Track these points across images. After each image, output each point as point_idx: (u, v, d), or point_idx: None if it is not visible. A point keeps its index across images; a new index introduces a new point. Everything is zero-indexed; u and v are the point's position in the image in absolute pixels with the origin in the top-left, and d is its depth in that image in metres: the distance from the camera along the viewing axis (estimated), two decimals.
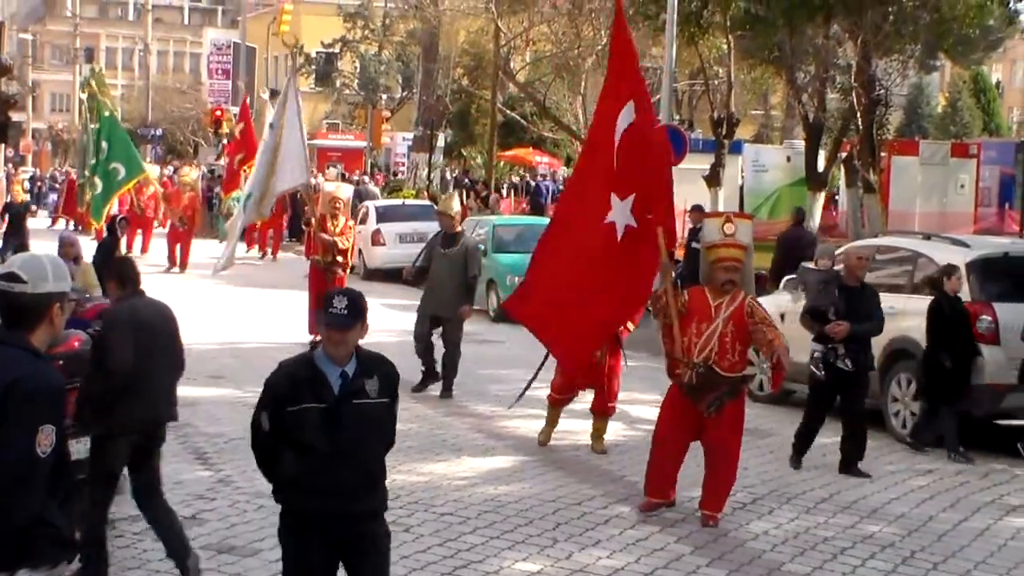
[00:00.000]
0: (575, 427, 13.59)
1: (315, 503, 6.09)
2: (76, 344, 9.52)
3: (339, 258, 19.03)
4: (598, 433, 12.76)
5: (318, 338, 18.57)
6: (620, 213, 10.33)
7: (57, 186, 49.43)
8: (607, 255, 10.42)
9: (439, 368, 15.36)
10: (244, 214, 18.70)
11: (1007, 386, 12.87)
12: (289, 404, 6.02)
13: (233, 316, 22.02)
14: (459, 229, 16.00)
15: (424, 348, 15.40)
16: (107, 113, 30.59)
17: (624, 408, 13.93)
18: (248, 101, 37.27)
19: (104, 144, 29.21)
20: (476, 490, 10.75)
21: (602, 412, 12.73)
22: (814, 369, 12.10)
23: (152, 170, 35.08)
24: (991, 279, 13.45)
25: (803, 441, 12.31)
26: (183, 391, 12.43)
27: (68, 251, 14.06)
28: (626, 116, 10.32)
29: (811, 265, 14.81)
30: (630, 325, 12.58)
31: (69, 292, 5.10)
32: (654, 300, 10.21)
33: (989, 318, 13.03)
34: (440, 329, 15.46)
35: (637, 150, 10.29)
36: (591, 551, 9.34)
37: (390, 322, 20.68)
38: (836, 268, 13.41)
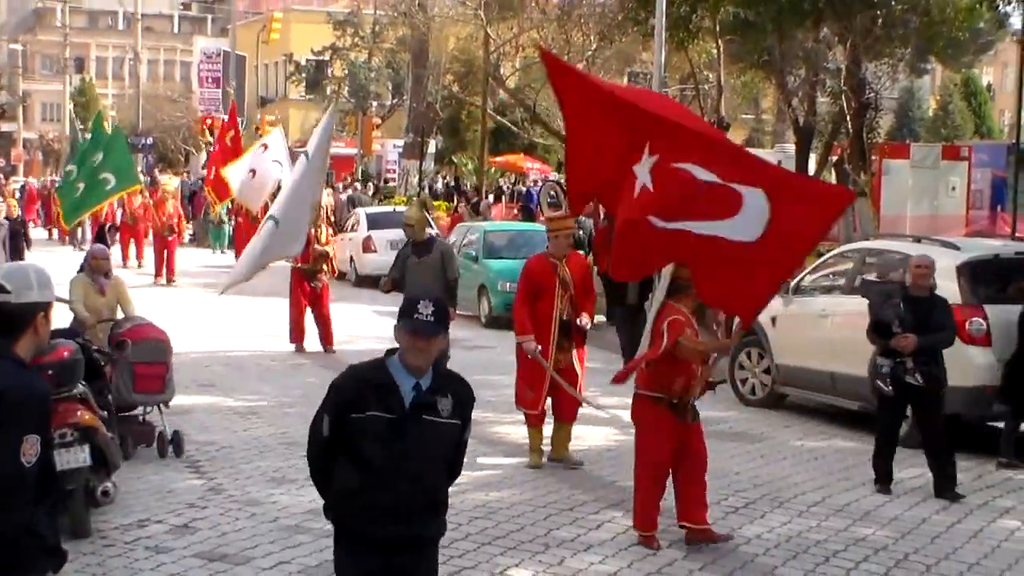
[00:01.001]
0: None
1: (373, 522, 5.62)
2: (64, 354, 9.50)
3: (325, 265, 19.18)
4: (564, 442, 12.39)
5: (301, 347, 18.85)
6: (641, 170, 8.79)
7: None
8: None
9: None
10: (267, 240, 17.00)
11: (999, 388, 12.86)
12: (354, 410, 5.60)
13: (222, 325, 21.97)
14: (428, 235, 15.59)
15: None
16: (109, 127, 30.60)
17: (615, 413, 13.90)
18: (235, 108, 37.09)
19: (99, 154, 29.05)
20: (468, 496, 10.72)
21: (568, 417, 12.33)
22: (880, 384, 11.62)
23: (172, 182, 35.06)
24: (982, 281, 13.45)
25: (882, 464, 11.67)
26: (175, 400, 12.48)
27: (99, 264, 13.28)
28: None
29: (873, 278, 14.00)
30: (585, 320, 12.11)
31: (54, 301, 5.08)
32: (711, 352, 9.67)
33: (980, 320, 13.02)
34: None
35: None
36: (583, 556, 9.31)
37: (381, 329, 20.64)
38: (899, 279, 12.71)
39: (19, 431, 4.57)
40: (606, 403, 13.46)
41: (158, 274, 29.83)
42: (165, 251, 30.13)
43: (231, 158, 32.48)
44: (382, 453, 5.58)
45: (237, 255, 34.30)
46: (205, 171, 44.26)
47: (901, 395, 11.58)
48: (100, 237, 17.32)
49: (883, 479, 11.59)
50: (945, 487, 11.36)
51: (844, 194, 10.23)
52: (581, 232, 22.39)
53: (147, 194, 32.24)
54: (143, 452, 11.86)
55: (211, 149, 50.17)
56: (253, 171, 25.77)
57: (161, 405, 12.10)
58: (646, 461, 9.76)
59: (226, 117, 38.98)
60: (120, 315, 13.03)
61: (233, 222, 35.73)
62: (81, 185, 27.81)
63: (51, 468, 4.83)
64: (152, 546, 9.27)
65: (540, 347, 11.98)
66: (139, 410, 12.17)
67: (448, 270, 15.12)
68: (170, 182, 34.59)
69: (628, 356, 16.47)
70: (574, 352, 12.18)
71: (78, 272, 13.49)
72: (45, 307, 4.93)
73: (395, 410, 5.59)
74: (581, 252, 12.52)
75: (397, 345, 5.69)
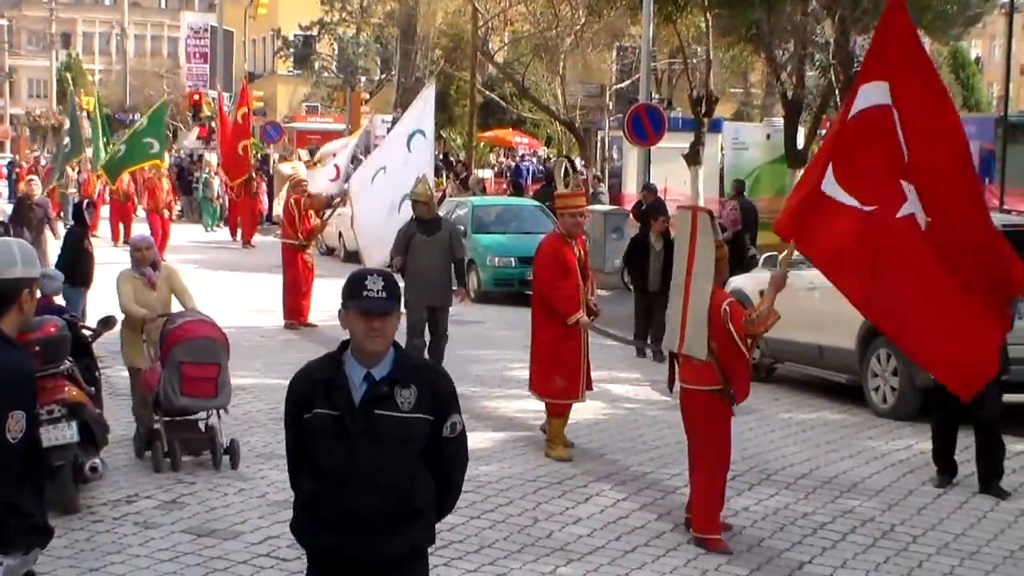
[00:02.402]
0: None
1: (330, 537, 5.01)
2: (52, 330, 9.48)
3: (312, 243, 19.39)
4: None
5: (295, 323, 18.85)
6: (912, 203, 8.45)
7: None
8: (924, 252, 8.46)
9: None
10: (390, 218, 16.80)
11: None
12: (305, 410, 5.04)
13: (212, 301, 21.92)
14: (436, 213, 15.33)
15: (420, 341, 14.58)
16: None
17: (605, 387, 13.94)
18: (247, 86, 36.87)
19: (145, 121, 29.81)
20: None
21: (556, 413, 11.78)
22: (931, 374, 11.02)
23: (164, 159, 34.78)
24: None
25: (942, 459, 10.90)
26: None
27: (142, 255, 11.71)
28: (870, 96, 8.49)
29: None
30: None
31: (39, 278, 5.07)
32: (763, 321, 8.90)
33: None
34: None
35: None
36: (572, 529, 9.34)
37: None
38: None
39: (4, 407, 4.56)
40: (619, 391, 13.48)
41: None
42: (160, 229, 29.48)
43: (244, 137, 32.56)
44: (330, 456, 4.99)
45: (232, 233, 34.36)
46: (202, 147, 44.12)
47: None
48: (78, 216, 17.05)
49: (943, 474, 10.85)
50: (992, 482, 10.62)
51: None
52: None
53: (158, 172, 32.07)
54: (128, 428, 11.73)
55: (202, 124, 50.10)
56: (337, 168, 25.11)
57: (220, 411, 11.01)
58: (723, 462, 9.19)
59: (214, 94, 38.88)
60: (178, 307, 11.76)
61: (227, 200, 35.56)
62: (123, 147, 28.31)
63: (37, 444, 4.82)
64: (141, 522, 9.29)
65: (588, 319, 11.54)
66: (202, 414, 11.11)
67: (456, 249, 14.80)
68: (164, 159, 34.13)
69: (639, 345, 16.63)
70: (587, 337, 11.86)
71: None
72: (30, 283, 4.92)
73: (341, 406, 4.98)
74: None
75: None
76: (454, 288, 14.96)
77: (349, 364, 5.04)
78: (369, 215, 16.92)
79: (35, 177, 25.02)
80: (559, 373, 11.48)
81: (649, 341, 16.69)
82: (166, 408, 10.71)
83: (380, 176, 16.90)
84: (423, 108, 17.24)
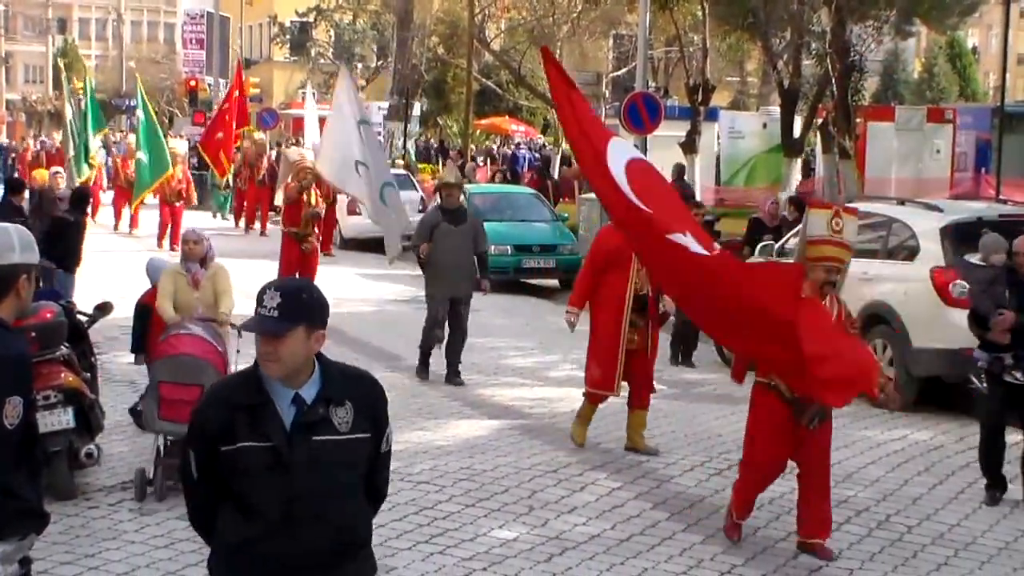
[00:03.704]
0: (551, 394, 13.62)
1: None
2: (48, 316, 9.47)
3: (315, 229, 19.05)
4: (638, 429, 11.43)
5: None
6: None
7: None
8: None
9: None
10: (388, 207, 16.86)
11: None
12: (223, 442, 4.42)
13: None
14: (462, 202, 14.80)
15: (438, 332, 14.29)
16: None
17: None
18: (241, 70, 36.71)
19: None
20: (452, 458, 10.75)
21: (642, 404, 11.46)
22: (975, 381, 10.44)
23: (180, 145, 33.97)
24: (965, 244, 13.45)
25: (991, 472, 10.19)
26: None
27: (189, 250, 10.73)
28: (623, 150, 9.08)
29: (975, 259, 11.47)
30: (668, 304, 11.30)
31: (37, 263, 5.05)
32: None
33: (963, 283, 13.03)
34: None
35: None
36: (567, 518, 9.35)
37: (367, 292, 20.66)
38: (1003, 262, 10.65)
39: (1, 393, 4.56)
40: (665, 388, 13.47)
41: (160, 243, 28.14)
42: (171, 219, 28.01)
43: (244, 123, 32.14)
44: (267, 494, 4.41)
45: (236, 221, 34.03)
46: (199, 133, 43.80)
47: (1001, 394, 10.08)
48: (77, 201, 16.85)
49: (994, 485, 10.15)
50: None
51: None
52: None
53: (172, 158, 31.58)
54: (128, 416, 11.70)
55: (198, 110, 49.94)
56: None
57: None
58: (748, 460, 8.96)
59: (211, 80, 38.72)
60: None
61: (233, 189, 35.10)
62: (144, 157, 27.46)
63: (33, 430, 4.82)
64: (136, 508, 9.29)
65: (577, 321, 11.45)
66: None
67: (480, 242, 14.46)
68: (178, 146, 32.47)
69: (677, 345, 15.71)
70: (649, 332, 11.30)
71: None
72: (28, 269, 4.91)
73: (274, 435, 4.39)
74: None
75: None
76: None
77: (270, 385, 4.45)
78: (376, 208, 16.77)
79: (60, 170, 24.65)
80: (596, 362, 11.32)
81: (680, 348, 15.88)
82: (150, 431, 9.83)
83: (363, 170, 16.66)
84: (350, 95, 16.98)
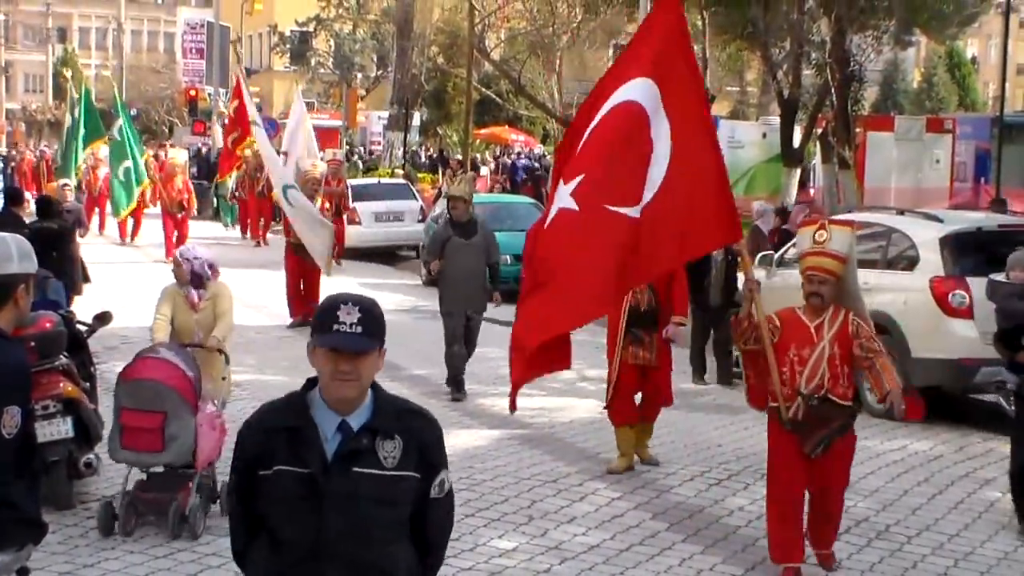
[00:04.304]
0: (551, 404, 13.61)
1: None
2: (47, 325, 9.46)
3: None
4: (642, 439, 11.30)
5: (299, 320, 18.69)
6: (561, 196, 8.67)
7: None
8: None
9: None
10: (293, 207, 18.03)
11: (980, 361, 12.88)
12: (260, 466, 4.15)
13: None
14: (473, 215, 14.47)
15: (458, 352, 14.01)
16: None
17: (601, 385, 13.91)
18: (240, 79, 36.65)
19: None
20: (451, 468, 10.68)
21: (651, 417, 11.35)
22: (1003, 403, 9.97)
23: (180, 155, 33.80)
24: (964, 254, 13.47)
25: (1021, 492, 9.68)
26: None
27: (178, 272, 10.08)
28: (628, 94, 8.63)
29: (1000, 277, 10.80)
30: (681, 319, 11.16)
31: (35, 272, 5.05)
32: (735, 326, 8.59)
33: (963, 293, 13.04)
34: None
35: (617, 131, 8.61)
36: (566, 528, 9.34)
37: None
38: None
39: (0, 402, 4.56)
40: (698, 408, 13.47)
41: (168, 254, 28.07)
42: (175, 232, 27.58)
43: (236, 129, 32.16)
44: (298, 526, 4.13)
45: (242, 232, 33.98)
46: (200, 143, 43.70)
47: None
48: (43, 210, 16.59)
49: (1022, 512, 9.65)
50: None
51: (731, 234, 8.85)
52: None
53: (155, 169, 31.48)
54: None
55: (198, 120, 49.96)
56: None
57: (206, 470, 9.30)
58: (769, 493, 8.64)
59: (210, 89, 38.64)
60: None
61: (237, 200, 34.96)
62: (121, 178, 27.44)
63: (32, 440, 4.82)
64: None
65: None
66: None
67: (492, 253, 14.28)
68: (178, 155, 32.14)
69: (696, 369, 15.25)
70: (656, 347, 11.02)
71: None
72: (26, 279, 4.92)
73: (311, 462, 4.10)
74: None
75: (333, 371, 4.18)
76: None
77: (318, 409, 4.17)
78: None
79: (69, 181, 24.55)
80: (610, 377, 11.15)
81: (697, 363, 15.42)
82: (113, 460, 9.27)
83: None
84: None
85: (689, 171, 8.36)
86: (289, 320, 18.75)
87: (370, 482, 4.10)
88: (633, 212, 8.35)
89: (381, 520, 4.16)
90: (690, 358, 15.25)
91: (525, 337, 8.83)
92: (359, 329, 4.08)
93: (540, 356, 8.95)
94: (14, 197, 17.65)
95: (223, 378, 9.99)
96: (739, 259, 11.39)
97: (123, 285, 21.02)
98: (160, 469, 9.25)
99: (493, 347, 16.95)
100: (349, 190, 28.00)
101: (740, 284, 9.45)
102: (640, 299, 10.87)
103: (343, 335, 4.06)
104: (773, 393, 8.35)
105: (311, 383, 4.22)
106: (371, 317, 4.11)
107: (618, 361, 10.97)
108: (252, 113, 24.09)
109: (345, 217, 26.94)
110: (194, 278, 9.97)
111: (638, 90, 8.57)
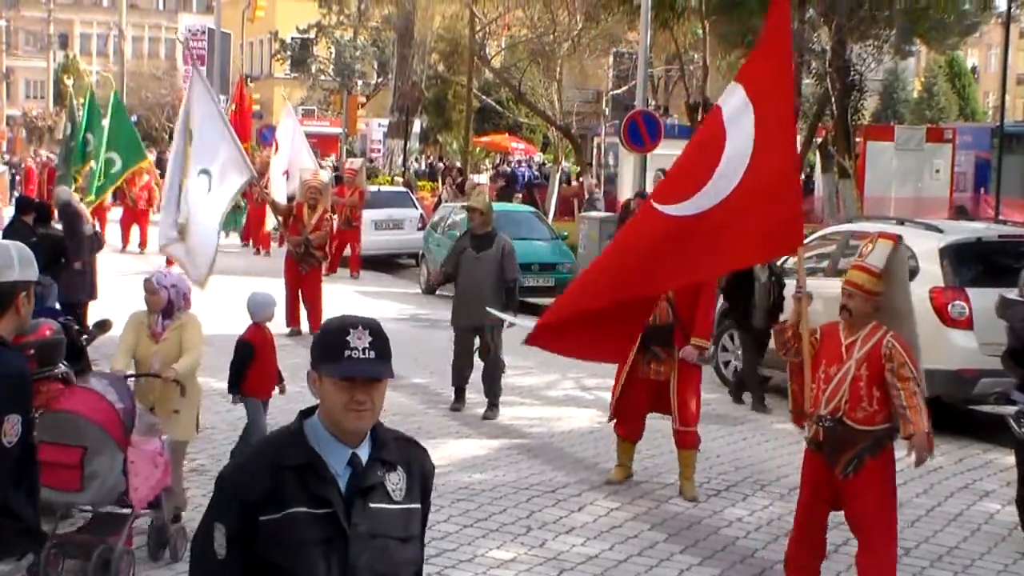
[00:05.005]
0: (550, 414, 13.61)
1: None
2: (47, 333, 9.44)
3: (315, 251, 18.84)
4: (685, 472, 10.72)
5: (297, 329, 18.59)
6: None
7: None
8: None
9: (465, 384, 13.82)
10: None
11: (979, 371, 12.89)
12: (268, 509, 3.67)
13: (207, 305, 21.88)
14: (491, 228, 13.92)
15: (466, 364, 13.72)
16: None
17: (599, 395, 13.93)
18: (242, 84, 36.64)
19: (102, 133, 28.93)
20: (450, 478, 10.72)
21: (680, 443, 10.77)
22: (1014, 425, 9.58)
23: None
24: (964, 264, 13.47)
25: None
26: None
27: (150, 300, 9.39)
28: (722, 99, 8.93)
29: (1012, 295, 10.41)
30: (700, 343, 10.64)
31: (36, 280, 5.05)
32: (778, 334, 8.25)
33: (962, 303, 13.04)
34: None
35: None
36: (565, 538, 9.33)
37: (367, 311, 20.52)
38: None
39: (0, 410, 4.56)
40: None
41: (124, 247, 28.74)
42: (135, 222, 28.74)
43: (246, 138, 32.08)
44: (317, 571, 3.69)
45: (244, 240, 33.91)
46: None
47: None
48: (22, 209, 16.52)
49: None
50: None
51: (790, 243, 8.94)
52: None
53: (157, 175, 31.55)
54: None
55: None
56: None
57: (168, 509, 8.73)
58: (799, 499, 8.31)
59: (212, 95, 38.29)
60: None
61: (247, 205, 34.84)
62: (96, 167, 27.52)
63: (32, 448, 4.82)
64: (135, 527, 9.25)
65: None
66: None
67: (507, 270, 13.57)
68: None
69: (740, 389, 14.91)
70: (676, 364, 10.62)
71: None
72: (27, 286, 4.91)
73: (330, 501, 3.71)
74: None
75: (319, 400, 3.85)
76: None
77: (321, 442, 3.77)
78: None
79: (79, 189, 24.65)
80: (615, 391, 10.99)
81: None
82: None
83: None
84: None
85: (766, 174, 8.45)
86: (287, 329, 18.74)
87: (386, 517, 3.77)
88: (670, 210, 8.61)
89: (400, 559, 3.81)
90: (742, 379, 14.94)
91: (554, 309, 9.32)
92: (372, 354, 3.74)
93: (598, 341, 9.20)
94: (24, 206, 17.63)
95: (175, 411, 9.27)
96: (783, 279, 11.38)
97: (125, 293, 20.99)
98: (105, 509, 8.54)
99: None
100: (364, 199, 27.45)
101: (785, 304, 9.27)
102: (658, 312, 10.42)
103: (357, 362, 3.72)
104: (801, 413, 8.15)
105: (305, 414, 3.87)
106: (382, 340, 3.78)
107: (626, 374, 10.76)
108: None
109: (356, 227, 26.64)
110: (167, 307, 9.34)
111: (727, 93, 8.91)
